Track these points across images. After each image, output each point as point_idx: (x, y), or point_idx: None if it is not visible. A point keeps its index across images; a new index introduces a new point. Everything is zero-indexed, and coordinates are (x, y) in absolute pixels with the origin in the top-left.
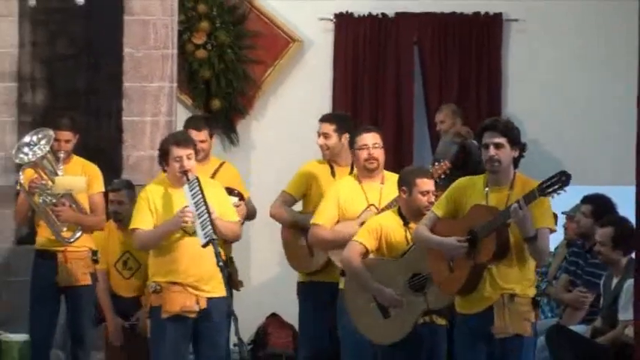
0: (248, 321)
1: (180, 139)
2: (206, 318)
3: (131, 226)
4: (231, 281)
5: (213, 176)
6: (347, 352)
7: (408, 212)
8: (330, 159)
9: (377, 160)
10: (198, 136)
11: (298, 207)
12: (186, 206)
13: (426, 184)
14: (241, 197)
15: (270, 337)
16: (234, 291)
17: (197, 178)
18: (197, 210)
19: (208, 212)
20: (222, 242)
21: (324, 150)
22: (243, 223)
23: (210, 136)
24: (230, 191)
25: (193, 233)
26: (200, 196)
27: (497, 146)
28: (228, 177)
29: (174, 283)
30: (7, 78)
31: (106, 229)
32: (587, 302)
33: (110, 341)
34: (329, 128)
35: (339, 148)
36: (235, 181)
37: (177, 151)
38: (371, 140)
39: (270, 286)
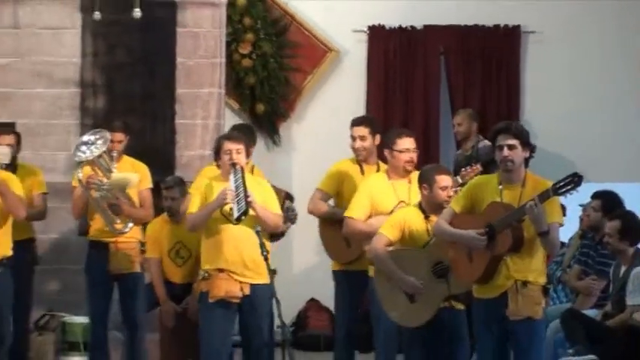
0: (289, 305)
1: (232, 135)
2: (249, 303)
3: (187, 213)
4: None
5: None
6: (378, 334)
7: (429, 206)
8: (363, 159)
9: (414, 162)
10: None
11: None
12: (227, 188)
13: (445, 180)
14: (290, 197)
15: (309, 319)
16: (277, 278)
17: (242, 168)
18: (236, 191)
19: (245, 194)
20: (268, 235)
21: (360, 151)
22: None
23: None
24: (289, 196)
25: (236, 223)
26: (241, 181)
27: (510, 147)
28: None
29: (221, 271)
30: (71, 84)
31: (160, 222)
32: (598, 289)
33: (164, 323)
34: (364, 131)
35: (373, 149)
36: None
37: (228, 145)
38: (411, 144)
39: (309, 274)
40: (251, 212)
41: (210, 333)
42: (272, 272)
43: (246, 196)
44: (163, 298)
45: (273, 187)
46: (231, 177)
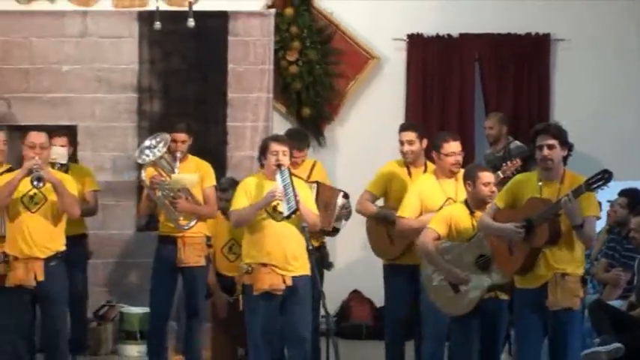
0: (333, 297)
1: (279, 137)
2: (292, 294)
3: (230, 209)
4: (324, 262)
5: (309, 175)
6: (427, 323)
7: (473, 202)
8: (411, 162)
9: (460, 164)
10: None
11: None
12: (274, 188)
13: (487, 176)
14: (346, 196)
15: (352, 310)
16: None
17: (288, 169)
18: (285, 190)
19: (294, 192)
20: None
21: (408, 155)
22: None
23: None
24: (344, 193)
25: (280, 220)
26: (289, 181)
27: (550, 147)
28: (321, 175)
29: (264, 265)
30: (129, 89)
31: (216, 219)
32: (624, 281)
33: (216, 313)
34: (412, 136)
35: (420, 152)
36: (326, 180)
37: (275, 147)
38: (457, 148)
39: (352, 267)
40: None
41: (256, 324)
42: (329, 265)
43: (295, 195)
44: (216, 290)
45: (331, 186)
46: (279, 177)
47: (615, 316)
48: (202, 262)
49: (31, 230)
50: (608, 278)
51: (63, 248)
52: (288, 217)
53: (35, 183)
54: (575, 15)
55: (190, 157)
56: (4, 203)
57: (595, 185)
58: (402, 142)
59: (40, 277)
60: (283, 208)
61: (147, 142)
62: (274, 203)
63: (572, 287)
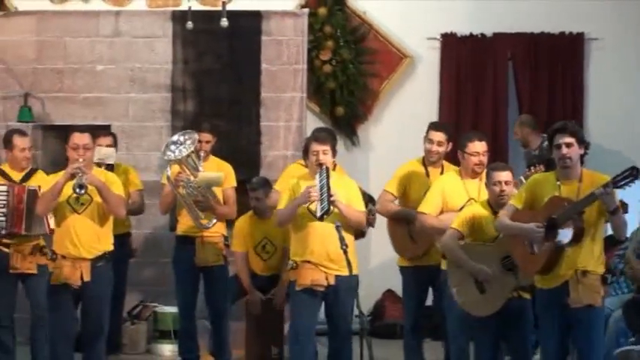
0: (367, 296)
1: (319, 137)
2: (334, 292)
3: (276, 209)
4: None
5: None
6: (451, 323)
7: (493, 202)
8: (433, 162)
9: (484, 165)
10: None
11: None
12: (311, 186)
13: (496, 176)
14: (372, 200)
15: (386, 309)
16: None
17: (327, 169)
18: (320, 190)
19: (329, 193)
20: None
21: (434, 155)
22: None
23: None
24: (371, 199)
25: (320, 218)
26: (325, 181)
27: (568, 145)
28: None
29: (308, 262)
30: (163, 89)
31: (248, 219)
32: None
33: (250, 311)
34: (443, 137)
35: (444, 154)
36: None
37: (315, 146)
38: (481, 148)
39: (385, 267)
40: (335, 210)
41: (297, 316)
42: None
43: (329, 196)
44: (250, 289)
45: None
46: (317, 177)
47: None
48: (221, 262)
49: (78, 231)
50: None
51: (110, 248)
52: (320, 218)
53: (77, 190)
54: (608, 14)
55: (212, 157)
56: (50, 207)
57: (623, 182)
58: (431, 141)
59: (87, 277)
60: (317, 209)
61: (174, 138)
62: (311, 201)
63: (593, 284)
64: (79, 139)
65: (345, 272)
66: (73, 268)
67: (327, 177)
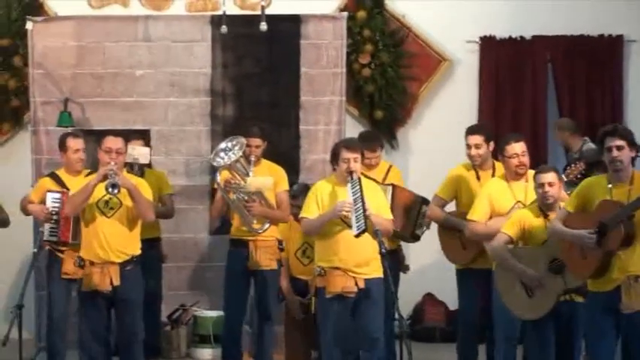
0: (407, 300)
1: (350, 144)
2: (365, 296)
3: (300, 215)
4: (401, 265)
5: (384, 178)
6: (499, 327)
7: (542, 205)
8: (479, 165)
9: (525, 165)
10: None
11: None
12: (344, 200)
13: (540, 177)
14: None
15: (425, 313)
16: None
17: (359, 178)
18: (355, 204)
19: (364, 207)
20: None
21: (476, 158)
22: None
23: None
24: (426, 201)
25: (357, 236)
26: (359, 193)
27: (619, 148)
28: (397, 179)
29: (336, 268)
30: (202, 94)
31: (289, 225)
32: None
33: (291, 315)
34: (480, 139)
35: (487, 155)
36: (401, 183)
37: (346, 154)
38: (520, 149)
39: (425, 270)
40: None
41: (328, 327)
42: (405, 268)
43: (364, 210)
44: (289, 293)
45: (409, 190)
46: (349, 188)
47: None
48: (274, 266)
49: (107, 235)
50: None
51: (138, 252)
52: (357, 236)
53: (110, 190)
54: None
55: (264, 161)
56: (80, 209)
57: None
58: (468, 146)
59: (116, 282)
60: (352, 226)
61: (222, 145)
62: (344, 215)
63: None
64: (113, 142)
65: (376, 274)
66: (102, 274)
67: (361, 189)
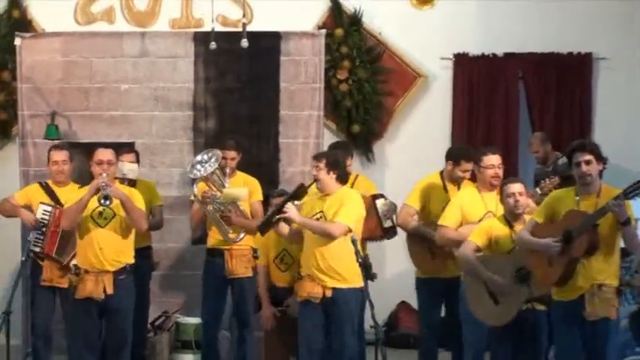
0: (382, 308)
1: (316, 154)
2: (331, 304)
3: None
4: (368, 273)
5: (351, 186)
6: (467, 332)
7: (509, 215)
8: (453, 180)
9: (500, 177)
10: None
11: None
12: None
13: (510, 188)
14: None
15: (400, 320)
16: (370, 282)
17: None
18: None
19: (272, 213)
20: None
21: (463, 180)
22: None
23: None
24: (375, 196)
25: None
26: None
27: (588, 163)
28: (364, 187)
29: (308, 275)
30: (185, 107)
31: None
32: None
33: (263, 324)
34: (470, 166)
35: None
36: (371, 190)
37: (312, 162)
38: (497, 161)
39: (399, 279)
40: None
41: (300, 327)
42: (373, 275)
43: (270, 215)
44: (265, 303)
45: (366, 195)
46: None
47: None
48: (250, 274)
49: (102, 244)
50: None
51: (132, 261)
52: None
53: (102, 201)
54: (616, 34)
55: (239, 173)
56: (75, 222)
57: (633, 193)
58: (465, 171)
59: (110, 291)
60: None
61: (198, 157)
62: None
63: (608, 297)
64: (103, 154)
65: (346, 285)
66: (96, 282)
67: (300, 191)
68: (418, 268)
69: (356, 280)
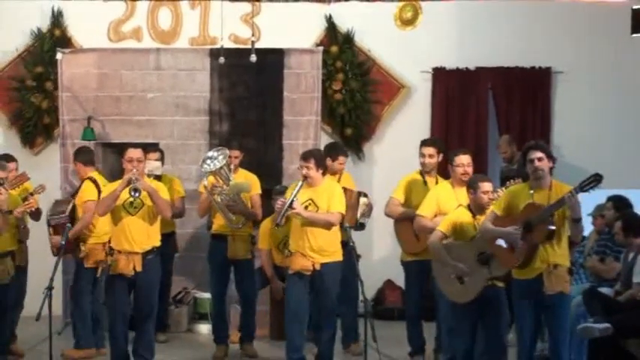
0: (370, 285)
1: (304, 153)
2: (319, 276)
3: None
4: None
5: (338, 181)
6: (440, 307)
7: (475, 207)
8: (428, 172)
9: (469, 174)
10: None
11: None
12: (283, 198)
13: (486, 186)
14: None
15: (386, 296)
16: (360, 263)
17: (301, 185)
18: (285, 204)
19: (287, 208)
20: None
21: (428, 166)
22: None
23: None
24: (361, 194)
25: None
26: (294, 195)
27: (539, 159)
28: (348, 182)
29: (297, 251)
30: (202, 113)
31: (271, 221)
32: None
33: (274, 297)
34: (433, 150)
35: (436, 164)
36: (352, 185)
37: (300, 162)
38: (466, 160)
39: (386, 260)
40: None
41: (289, 296)
42: (358, 256)
43: (286, 212)
44: (273, 279)
45: (349, 189)
46: (296, 188)
47: (605, 301)
48: (249, 256)
49: (132, 230)
50: (602, 269)
51: (158, 244)
52: (276, 226)
53: (133, 193)
54: (572, 51)
55: (240, 170)
56: (108, 210)
57: (587, 187)
58: (423, 155)
59: (139, 268)
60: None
61: (209, 154)
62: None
63: (562, 275)
64: (133, 153)
65: (331, 259)
66: (127, 261)
67: (297, 192)
68: (405, 250)
69: (338, 255)
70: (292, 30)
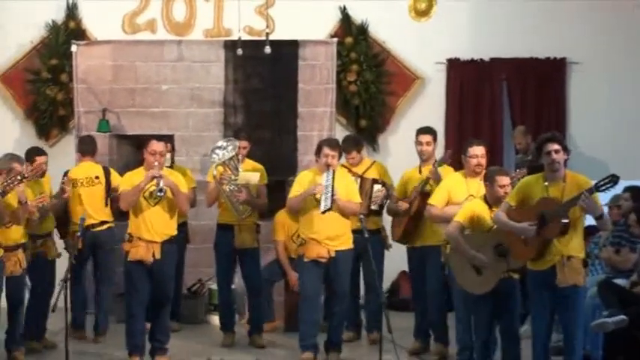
0: (385, 276)
1: (331, 142)
2: (335, 262)
3: (288, 197)
4: (385, 243)
5: (366, 171)
6: (456, 298)
7: (491, 199)
8: (425, 160)
9: (482, 166)
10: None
11: None
12: (319, 183)
13: (503, 180)
14: (384, 184)
15: (401, 287)
16: None
17: (334, 171)
18: (326, 189)
19: (332, 192)
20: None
21: (425, 153)
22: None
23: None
24: (376, 181)
25: (323, 213)
26: (331, 182)
27: (556, 152)
28: (377, 171)
29: (312, 239)
30: (217, 105)
31: (286, 213)
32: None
33: (291, 287)
34: (430, 138)
35: (433, 152)
36: (383, 174)
37: (326, 150)
38: (480, 152)
39: (400, 252)
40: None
41: (305, 284)
42: (389, 246)
43: (333, 195)
44: (288, 271)
45: (367, 178)
46: (324, 176)
47: (620, 292)
48: (255, 245)
49: (152, 220)
50: (617, 261)
51: (175, 233)
52: (323, 213)
53: (158, 194)
54: (588, 41)
55: (248, 160)
56: (133, 204)
57: (604, 187)
58: (420, 143)
59: (158, 256)
60: (320, 205)
61: (219, 143)
62: (317, 195)
63: (576, 267)
64: (157, 146)
65: (345, 247)
66: (147, 249)
67: (333, 178)
68: (397, 240)
69: (349, 243)
70: (307, 21)
